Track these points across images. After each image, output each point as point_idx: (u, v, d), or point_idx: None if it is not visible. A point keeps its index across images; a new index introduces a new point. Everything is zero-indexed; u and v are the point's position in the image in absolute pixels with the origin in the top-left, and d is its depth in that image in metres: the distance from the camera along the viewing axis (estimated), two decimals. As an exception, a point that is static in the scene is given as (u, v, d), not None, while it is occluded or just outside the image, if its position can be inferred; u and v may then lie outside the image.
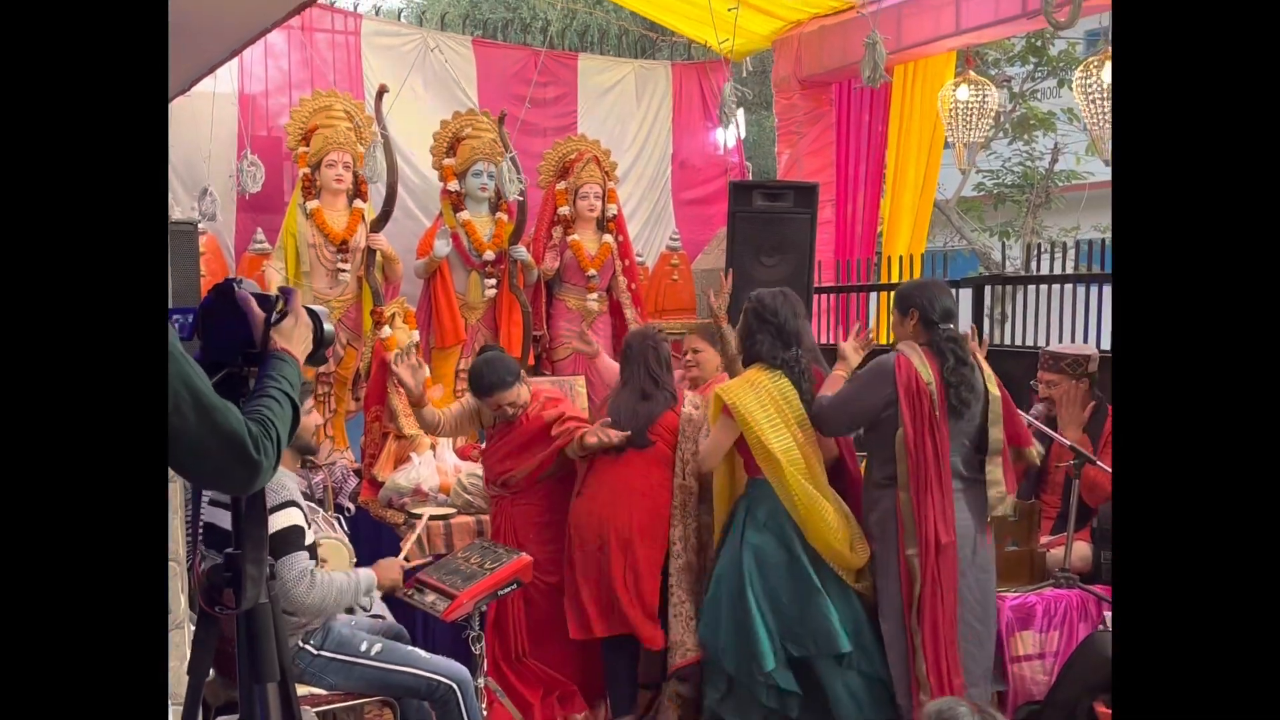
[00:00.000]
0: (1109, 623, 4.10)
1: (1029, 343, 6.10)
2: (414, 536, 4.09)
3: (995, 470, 3.95)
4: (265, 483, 2.08)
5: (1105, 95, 5.87)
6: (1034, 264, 6.98)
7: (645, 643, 4.36)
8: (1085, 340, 5.59)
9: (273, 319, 2.23)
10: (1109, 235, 7.00)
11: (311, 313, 2.34)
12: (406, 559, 3.99)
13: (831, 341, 7.03)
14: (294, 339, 2.24)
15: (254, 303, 2.24)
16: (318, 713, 3.72)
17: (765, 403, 4.01)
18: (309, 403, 3.87)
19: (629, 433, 4.37)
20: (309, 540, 3.56)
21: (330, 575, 3.54)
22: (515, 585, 3.99)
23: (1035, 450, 4.17)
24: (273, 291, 2.31)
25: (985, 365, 4.05)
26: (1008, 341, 6.62)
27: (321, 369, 5.78)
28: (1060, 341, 5.68)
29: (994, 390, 3.98)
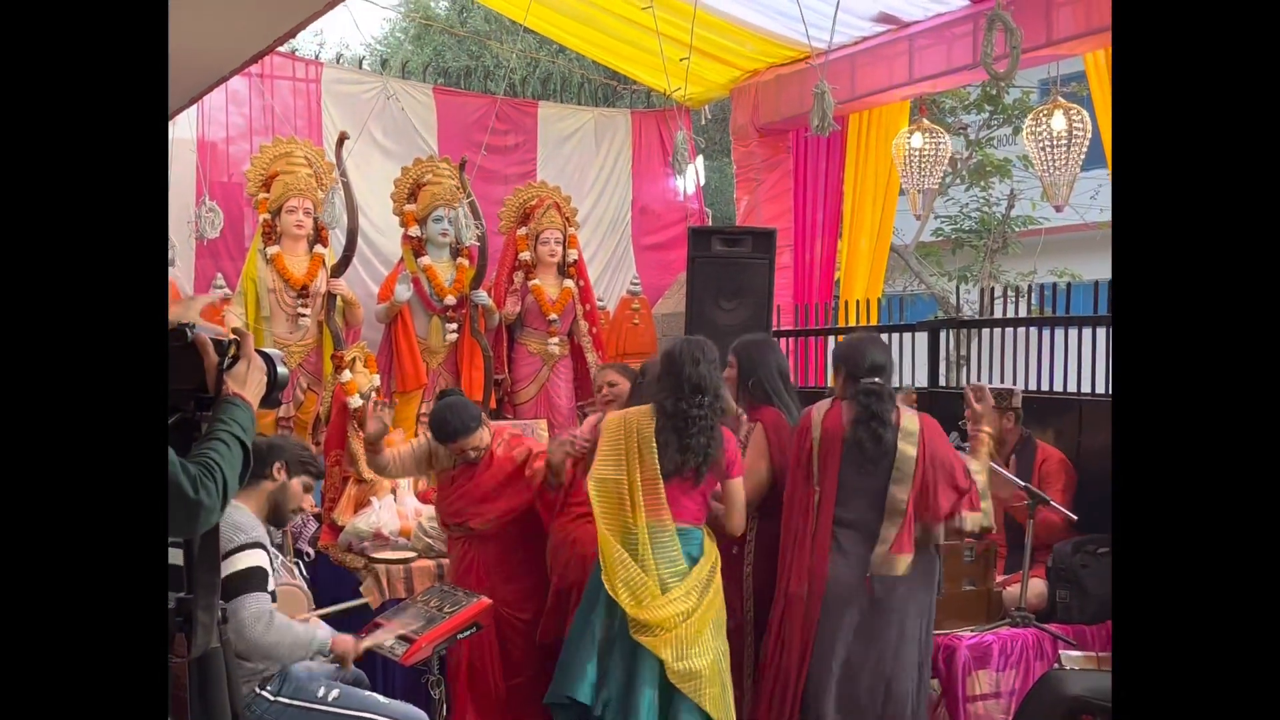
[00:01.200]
0: (1065, 661, 4.13)
1: (989, 384, 6.16)
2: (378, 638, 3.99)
3: (889, 528, 3.86)
4: (208, 524, 2.08)
5: (1055, 143, 6.00)
6: (992, 308, 7.06)
7: None
8: (1043, 383, 5.65)
9: (225, 363, 2.24)
10: (1064, 279, 7.12)
11: (265, 355, 2.35)
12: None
13: (800, 384, 7.08)
14: (247, 383, 2.25)
15: (210, 347, 2.25)
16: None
17: (619, 438, 3.94)
18: (310, 480, 3.86)
19: (590, 440, 4.25)
20: (271, 585, 3.53)
21: (289, 621, 3.51)
22: (475, 629, 3.98)
23: (977, 516, 3.95)
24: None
25: (910, 424, 3.93)
26: (967, 384, 6.67)
27: (281, 414, 5.76)
28: (1016, 383, 5.74)
29: (907, 450, 3.89)
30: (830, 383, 4.24)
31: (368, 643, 3.80)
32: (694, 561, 3.88)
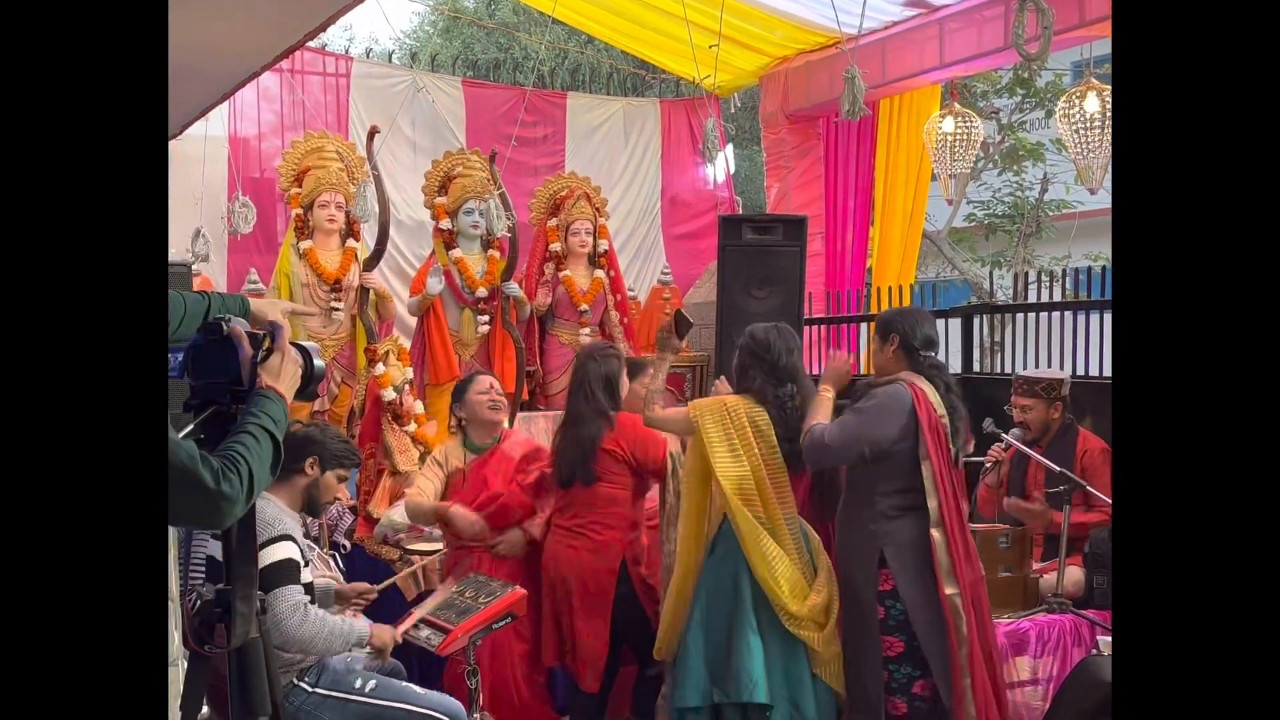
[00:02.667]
0: (1103, 647, 4.10)
1: (1005, 369, 6.14)
2: (415, 618, 4.02)
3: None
4: (233, 516, 2.08)
5: (1088, 125, 5.95)
6: (1026, 293, 7.02)
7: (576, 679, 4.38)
8: (1078, 367, 5.62)
9: (259, 357, 2.25)
10: (1100, 263, 7.06)
11: (301, 348, 2.37)
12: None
13: (820, 373, 7.05)
14: (281, 375, 2.26)
15: (245, 339, 2.26)
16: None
17: (728, 428, 3.91)
18: (345, 472, 3.89)
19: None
20: (305, 578, 3.56)
21: (325, 614, 3.54)
22: (510, 619, 3.99)
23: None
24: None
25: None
26: (1000, 370, 6.64)
27: (316, 407, 5.80)
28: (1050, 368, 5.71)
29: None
30: (866, 359, 4.13)
31: (403, 631, 3.83)
32: (810, 552, 3.94)
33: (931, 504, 3.78)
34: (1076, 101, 5.95)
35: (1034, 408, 4.82)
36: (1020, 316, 6.26)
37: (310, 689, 3.65)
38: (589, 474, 4.31)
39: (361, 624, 3.74)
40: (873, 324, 7.08)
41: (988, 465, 4.87)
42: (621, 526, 4.34)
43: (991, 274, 8.34)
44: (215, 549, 2.81)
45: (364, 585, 4.10)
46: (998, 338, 7.51)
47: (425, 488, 4.66)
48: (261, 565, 3.35)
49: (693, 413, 4.00)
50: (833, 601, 3.88)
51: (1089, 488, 4.42)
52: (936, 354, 3.94)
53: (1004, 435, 4.73)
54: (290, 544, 3.49)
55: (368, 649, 3.79)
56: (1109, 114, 5.73)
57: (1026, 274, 6.99)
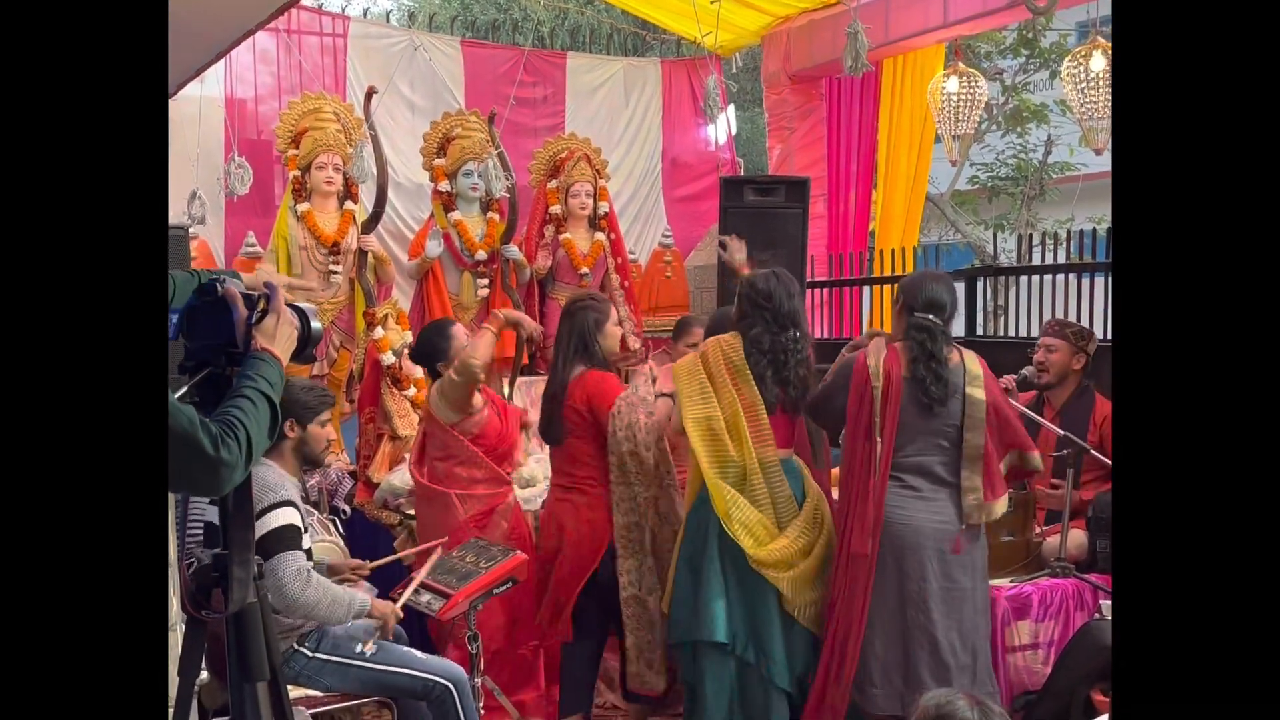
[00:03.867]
0: (1105, 611, 4.09)
1: (1026, 334, 6.10)
2: (416, 583, 3.98)
3: (972, 477, 3.79)
4: (233, 482, 2.06)
5: (1094, 85, 5.88)
6: (1029, 255, 6.98)
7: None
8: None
9: (253, 318, 2.22)
10: (1103, 225, 7.03)
11: (298, 310, 2.33)
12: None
13: (824, 336, 7.03)
14: (277, 338, 2.23)
15: (240, 300, 2.23)
16: (315, 714, 3.73)
17: (700, 373, 3.90)
18: (326, 415, 3.84)
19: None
20: (306, 544, 3.56)
21: (328, 581, 3.55)
22: (511, 583, 3.98)
23: (1038, 456, 3.99)
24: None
25: (973, 367, 3.86)
26: (1004, 333, 6.62)
27: (315, 371, 5.77)
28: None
29: (976, 394, 3.81)
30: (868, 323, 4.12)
31: (404, 598, 3.83)
32: (800, 494, 3.91)
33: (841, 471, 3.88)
34: (1082, 61, 5.89)
35: (1058, 349, 4.80)
36: (1024, 280, 6.22)
37: (311, 653, 3.65)
38: (553, 433, 4.34)
39: (363, 595, 3.74)
40: (875, 287, 7.10)
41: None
42: (607, 482, 4.26)
43: (995, 237, 8.29)
44: (213, 514, 2.80)
45: (357, 561, 4.13)
46: (1000, 301, 7.49)
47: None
48: (263, 531, 3.37)
49: (680, 366, 4.03)
50: (816, 545, 3.86)
51: (1096, 453, 4.39)
52: (942, 315, 3.87)
53: (1010, 388, 4.67)
54: (291, 509, 3.48)
55: (367, 620, 3.78)
56: (1115, 73, 5.67)
57: (1030, 237, 6.93)
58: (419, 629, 4.39)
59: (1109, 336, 5.35)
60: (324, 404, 3.82)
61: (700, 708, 3.88)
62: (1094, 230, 5.92)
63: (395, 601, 3.80)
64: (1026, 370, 4.85)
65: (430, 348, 4.57)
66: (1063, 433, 4.45)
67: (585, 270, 6.54)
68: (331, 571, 3.85)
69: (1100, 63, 5.79)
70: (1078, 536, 4.51)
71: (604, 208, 6.70)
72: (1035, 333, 5.94)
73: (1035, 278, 6.08)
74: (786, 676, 3.81)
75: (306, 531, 3.60)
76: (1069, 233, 6.28)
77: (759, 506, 3.83)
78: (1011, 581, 4.27)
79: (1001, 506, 3.85)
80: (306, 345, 2.35)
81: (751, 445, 3.84)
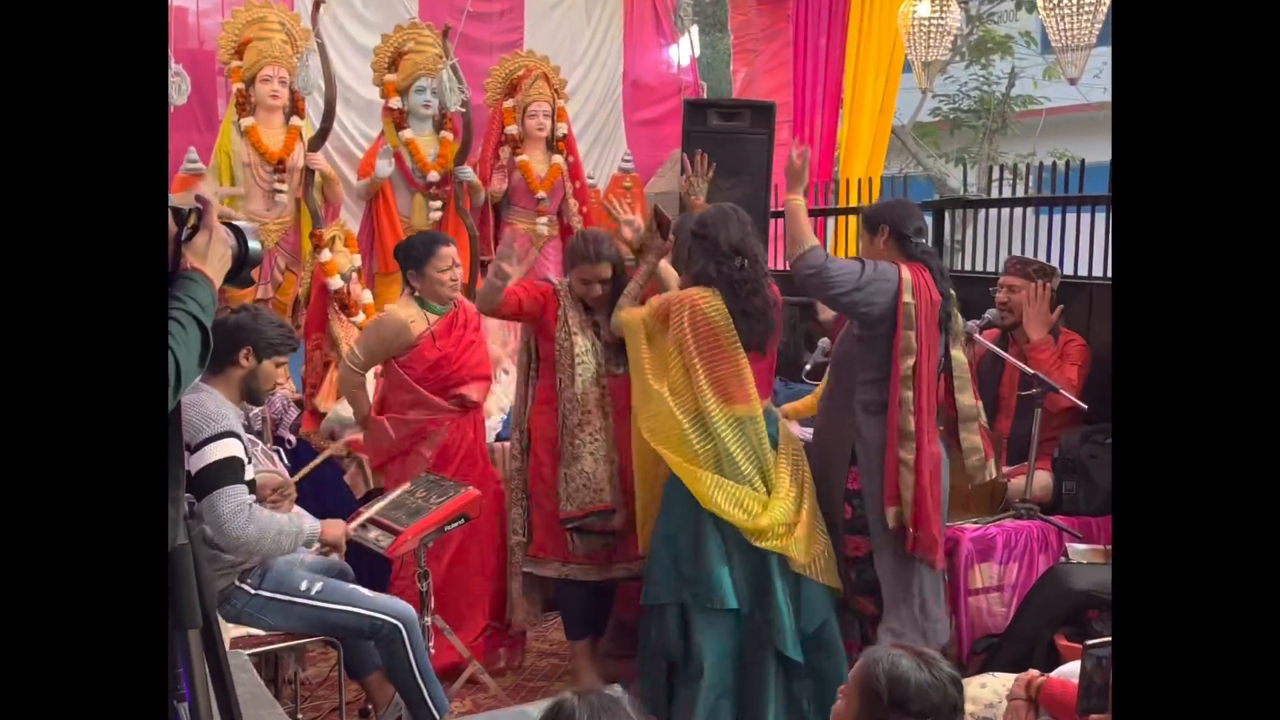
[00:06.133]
0: (1071, 555, 4.03)
1: (983, 269, 5.98)
2: (326, 455, 3.86)
3: (971, 436, 3.79)
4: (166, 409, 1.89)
5: (1071, 9, 5.72)
6: (989, 189, 6.87)
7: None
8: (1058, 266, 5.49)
9: (183, 235, 2.02)
10: (1063, 160, 6.92)
11: (234, 229, 2.14)
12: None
13: (784, 268, 6.88)
14: (208, 257, 2.04)
15: (169, 217, 2.03)
16: (257, 654, 3.58)
17: (656, 338, 3.73)
18: (284, 359, 3.63)
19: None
20: (249, 475, 3.37)
21: (270, 514, 3.36)
22: (463, 520, 3.85)
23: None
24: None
25: (959, 324, 3.87)
26: (965, 267, 6.49)
27: (259, 295, 5.55)
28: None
29: (961, 356, 3.83)
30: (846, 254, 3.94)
31: (353, 529, 3.69)
32: (775, 439, 3.75)
33: (907, 394, 3.71)
34: (1060, -14, 5.72)
35: (1021, 289, 4.68)
36: (982, 214, 6.10)
37: (253, 591, 3.50)
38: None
39: (310, 521, 3.58)
40: (840, 218, 6.95)
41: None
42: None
43: (965, 171, 8.17)
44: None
45: (279, 479, 3.85)
46: (959, 236, 7.37)
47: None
48: (201, 465, 3.18)
49: (623, 316, 3.88)
50: (804, 495, 3.73)
51: (1063, 391, 4.31)
52: (929, 243, 3.80)
53: (978, 335, 4.59)
54: (233, 440, 3.28)
55: (317, 546, 3.63)
56: (1094, -2, 5.51)
57: (1001, 169, 6.80)
58: (367, 566, 4.24)
59: (1078, 273, 5.27)
60: (287, 345, 3.60)
61: (695, 678, 3.65)
62: (1054, 164, 5.81)
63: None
64: (989, 314, 4.72)
65: (412, 253, 4.50)
66: (1031, 371, 4.36)
67: (542, 194, 6.32)
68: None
69: (1080, -12, 5.63)
70: (1043, 478, 4.43)
71: (562, 129, 6.47)
72: (993, 268, 5.83)
73: (994, 212, 5.97)
74: (790, 641, 3.61)
75: (250, 463, 3.40)
76: (1028, 167, 6.16)
77: (742, 475, 3.64)
78: (976, 523, 4.20)
79: (995, 466, 3.90)
80: (244, 267, 2.16)
81: (719, 406, 3.65)
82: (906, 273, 3.71)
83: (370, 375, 4.65)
